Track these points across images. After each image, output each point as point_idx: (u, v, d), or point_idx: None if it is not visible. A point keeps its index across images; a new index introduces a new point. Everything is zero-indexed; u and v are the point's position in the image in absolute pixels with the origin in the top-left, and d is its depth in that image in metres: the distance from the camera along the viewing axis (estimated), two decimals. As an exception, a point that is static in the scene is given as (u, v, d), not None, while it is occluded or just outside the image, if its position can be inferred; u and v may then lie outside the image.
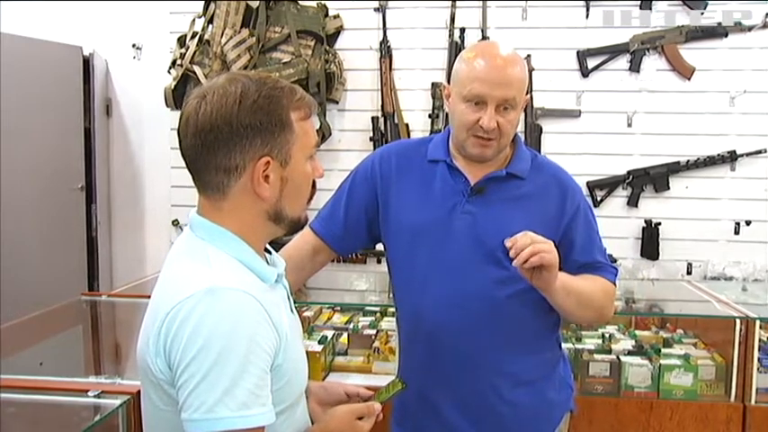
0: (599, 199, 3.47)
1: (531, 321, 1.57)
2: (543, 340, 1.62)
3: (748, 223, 3.44)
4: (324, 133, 3.49)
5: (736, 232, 3.45)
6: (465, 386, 1.55)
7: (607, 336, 2.64)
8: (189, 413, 0.97)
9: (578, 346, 2.52)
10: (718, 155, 3.41)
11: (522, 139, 3.37)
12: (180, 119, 1.07)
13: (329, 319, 2.88)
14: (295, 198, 1.11)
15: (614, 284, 1.60)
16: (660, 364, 2.38)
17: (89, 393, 1.70)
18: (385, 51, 3.53)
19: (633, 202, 3.47)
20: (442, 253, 1.54)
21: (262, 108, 1.04)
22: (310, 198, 1.16)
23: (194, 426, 0.97)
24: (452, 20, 3.49)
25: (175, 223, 3.76)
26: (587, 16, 3.46)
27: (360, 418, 1.19)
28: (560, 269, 1.52)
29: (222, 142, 1.03)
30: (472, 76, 1.49)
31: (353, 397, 1.30)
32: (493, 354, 1.54)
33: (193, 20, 3.55)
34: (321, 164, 1.17)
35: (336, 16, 3.58)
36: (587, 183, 3.42)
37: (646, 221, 3.47)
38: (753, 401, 2.31)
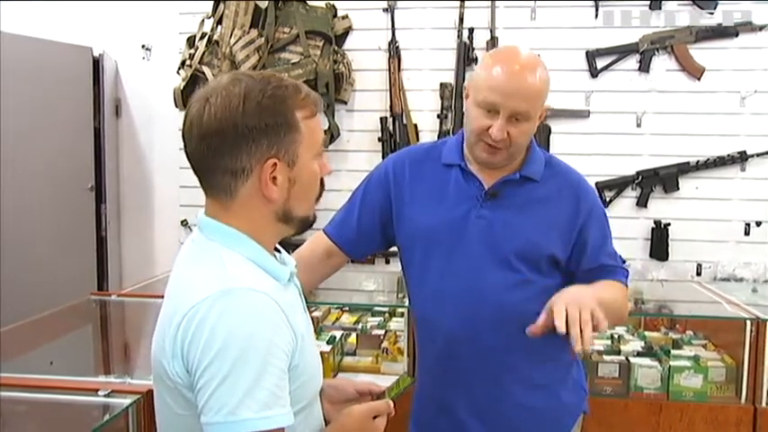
0: (608, 200, 3.46)
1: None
2: (557, 343, 1.61)
3: (759, 224, 3.42)
4: (332, 133, 3.49)
5: (747, 233, 3.43)
6: (479, 389, 1.55)
7: (616, 337, 2.63)
8: (210, 416, 0.96)
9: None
10: (729, 155, 3.39)
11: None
12: (184, 122, 1.06)
13: (338, 319, 2.88)
14: (303, 197, 1.10)
15: (626, 286, 1.60)
16: (670, 366, 2.37)
17: (99, 393, 1.70)
18: (393, 52, 3.53)
19: (642, 202, 3.46)
20: (456, 257, 1.54)
21: (267, 108, 1.03)
22: (319, 196, 1.15)
23: (216, 429, 0.95)
24: (461, 20, 3.49)
25: (184, 223, 3.77)
26: (596, 16, 3.45)
27: (375, 417, 1.18)
28: (574, 272, 1.54)
29: (228, 145, 1.02)
30: (488, 84, 1.46)
31: (364, 395, 1.29)
32: (507, 357, 1.54)
33: (202, 20, 3.56)
34: (328, 162, 1.16)
35: (345, 17, 3.58)
36: (596, 183, 3.41)
37: (655, 222, 3.46)
38: (764, 403, 2.30)
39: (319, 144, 1.11)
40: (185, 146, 1.07)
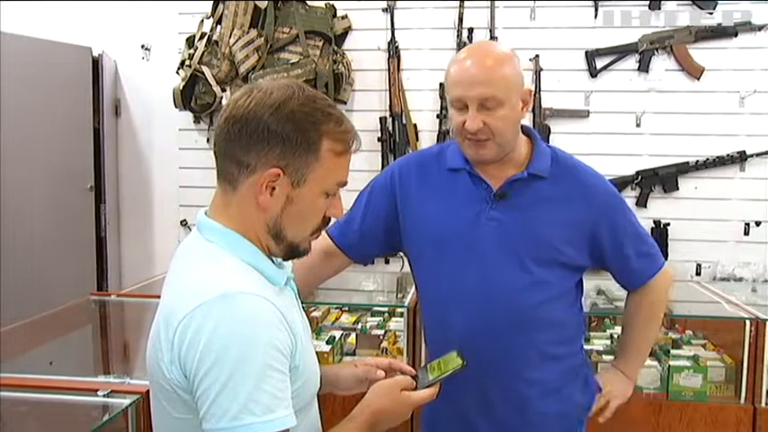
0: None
1: (557, 326, 1.56)
2: (569, 345, 1.61)
3: (758, 224, 3.41)
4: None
5: (746, 233, 3.43)
6: (493, 393, 1.54)
7: (616, 336, 2.63)
8: (213, 423, 0.95)
9: (587, 346, 2.51)
10: (728, 155, 3.39)
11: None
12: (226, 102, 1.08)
13: (337, 319, 2.88)
14: (296, 222, 1.09)
15: (662, 270, 1.65)
16: (669, 366, 2.37)
17: (98, 393, 1.71)
18: (393, 52, 3.53)
19: (642, 202, 3.46)
20: (469, 260, 1.53)
21: (295, 121, 1.03)
22: (316, 231, 1.13)
23: None
24: (460, 20, 3.49)
25: (184, 223, 3.78)
26: (596, 16, 3.44)
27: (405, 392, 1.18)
28: (608, 268, 1.62)
29: (245, 137, 1.03)
30: (452, 81, 1.49)
31: (371, 374, 1.28)
32: (521, 361, 1.53)
33: (202, 20, 3.56)
34: (343, 205, 1.15)
35: (344, 17, 3.58)
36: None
37: (655, 222, 3.46)
38: (763, 403, 2.31)
39: (337, 183, 1.10)
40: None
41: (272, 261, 1.12)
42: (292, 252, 1.12)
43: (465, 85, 1.45)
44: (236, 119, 1.03)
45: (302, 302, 1.21)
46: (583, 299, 1.66)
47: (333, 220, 1.18)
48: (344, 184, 1.12)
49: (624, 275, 1.65)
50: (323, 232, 1.64)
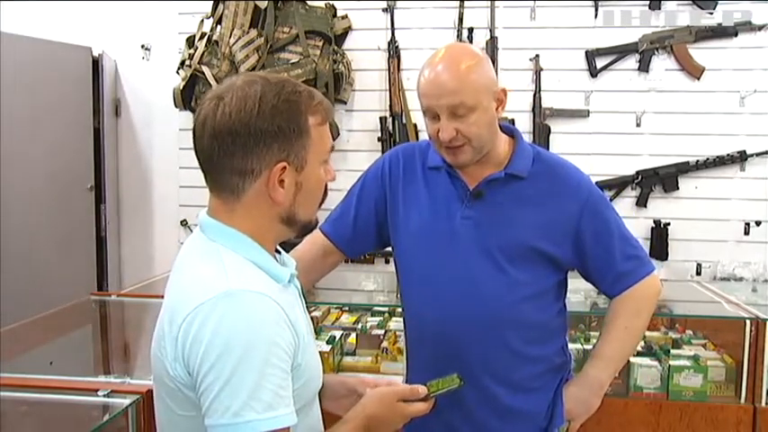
0: (608, 199, 3.46)
1: (533, 327, 1.54)
2: (546, 346, 1.59)
3: (758, 224, 3.42)
4: (332, 133, 3.49)
5: (746, 233, 3.43)
6: (470, 395, 1.51)
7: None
8: (214, 418, 0.96)
9: (587, 346, 2.51)
10: (728, 155, 3.39)
11: (531, 139, 3.39)
12: (196, 119, 1.07)
13: (337, 319, 2.88)
14: (308, 202, 1.11)
15: (650, 276, 1.57)
16: (669, 365, 2.37)
17: (99, 393, 1.70)
18: (393, 51, 3.53)
19: (642, 202, 3.46)
20: (445, 260, 1.52)
21: (281, 113, 1.03)
22: (322, 201, 1.15)
23: (221, 431, 0.96)
24: (460, 20, 3.49)
25: (184, 223, 3.78)
26: (596, 16, 3.45)
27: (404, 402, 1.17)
28: (591, 272, 1.57)
29: (239, 146, 1.03)
30: (421, 92, 1.48)
31: (360, 388, 1.26)
32: (494, 361, 1.52)
33: (202, 20, 3.56)
34: (332, 166, 1.16)
35: (345, 17, 3.59)
36: (596, 183, 3.39)
37: (655, 222, 3.46)
38: (763, 403, 2.30)
39: (327, 151, 1.12)
40: (195, 142, 1.07)
41: (276, 259, 1.13)
42: (306, 230, 1.15)
43: (433, 96, 1.44)
44: (223, 133, 1.02)
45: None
46: (566, 300, 1.64)
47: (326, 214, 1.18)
48: (333, 146, 1.16)
49: (609, 278, 1.57)
50: (317, 230, 1.65)
